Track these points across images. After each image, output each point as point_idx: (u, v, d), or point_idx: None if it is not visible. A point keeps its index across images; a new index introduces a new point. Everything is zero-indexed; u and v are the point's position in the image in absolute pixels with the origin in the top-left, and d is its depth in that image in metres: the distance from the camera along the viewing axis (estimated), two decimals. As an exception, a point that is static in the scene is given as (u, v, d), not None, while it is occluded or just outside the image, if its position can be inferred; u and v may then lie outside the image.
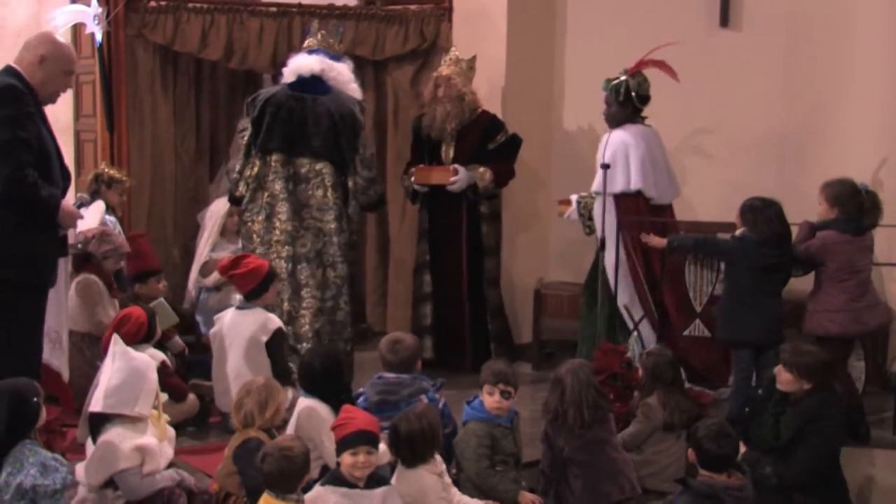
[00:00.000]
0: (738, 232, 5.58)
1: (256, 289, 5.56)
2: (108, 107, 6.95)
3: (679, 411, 4.89)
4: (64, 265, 4.91)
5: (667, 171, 6.37)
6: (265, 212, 6.23)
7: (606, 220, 6.12)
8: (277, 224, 6.23)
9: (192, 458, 4.99)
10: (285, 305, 6.14)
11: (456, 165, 6.70)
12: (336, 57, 6.44)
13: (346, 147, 6.25)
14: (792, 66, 7.07)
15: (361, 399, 4.73)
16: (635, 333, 6.14)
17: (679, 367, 5.08)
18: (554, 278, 7.38)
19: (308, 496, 3.86)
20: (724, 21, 7.13)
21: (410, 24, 7.46)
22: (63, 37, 7.25)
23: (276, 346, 5.50)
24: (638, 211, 6.15)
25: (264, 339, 5.44)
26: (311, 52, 6.42)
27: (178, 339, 6.00)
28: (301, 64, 6.31)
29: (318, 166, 6.24)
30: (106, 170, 6.59)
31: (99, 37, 6.82)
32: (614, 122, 6.27)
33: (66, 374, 4.93)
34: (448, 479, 4.26)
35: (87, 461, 4.18)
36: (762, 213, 5.40)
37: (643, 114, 6.36)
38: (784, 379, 4.60)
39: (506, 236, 7.17)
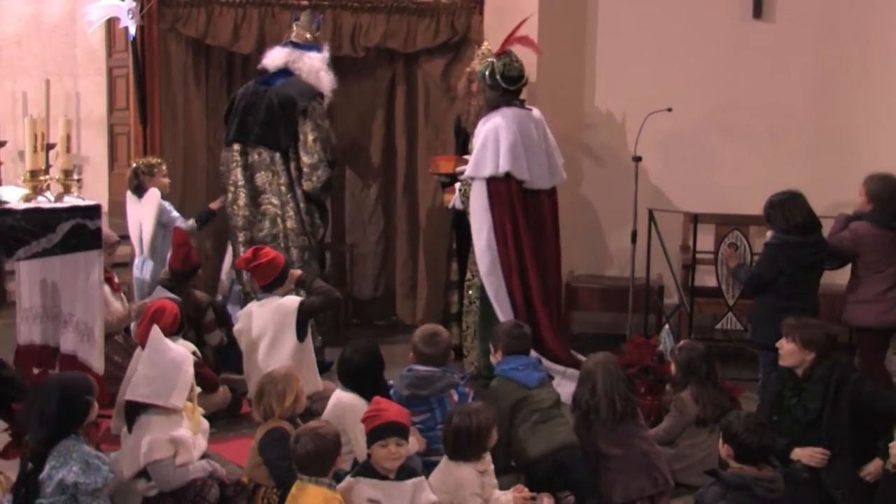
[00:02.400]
0: (768, 234, 5.50)
1: (277, 279, 5.57)
2: (142, 100, 7.01)
3: (712, 405, 4.85)
4: (99, 259, 4.94)
5: (547, 155, 6.29)
6: (228, 200, 6.57)
7: (477, 204, 6.09)
8: (236, 210, 6.52)
9: (224, 450, 5.03)
10: (246, 288, 6.44)
11: (468, 156, 6.68)
12: (308, 46, 6.63)
13: (283, 133, 6.45)
14: (825, 57, 7.02)
15: (391, 392, 4.72)
16: (666, 326, 6.11)
17: (712, 360, 5.03)
18: (584, 271, 7.36)
19: (339, 487, 3.87)
20: (758, 12, 7.10)
21: (441, 17, 7.46)
22: (97, 31, 7.42)
23: (309, 309, 5.48)
24: (508, 194, 6.09)
25: (292, 319, 5.42)
26: (284, 44, 6.63)
27: (217, 332, 6.05)
28: (269, 59, 6.60)
29: (267, 153, 6.49)
30: (140, 162, 6.66)
31: (132, 31, 6.87)
32: (490, 106, 6.22)
33: (98, 367, 4.96)
34: (492, 479, 4.22)
35: (121, 451, 4.22)
36: (781, 207, 5.34)
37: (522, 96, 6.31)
38: (787, 350, 4.60)
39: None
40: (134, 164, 6.64)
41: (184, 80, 7.21)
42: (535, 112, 6.30)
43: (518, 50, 6.83)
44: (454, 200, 6.40)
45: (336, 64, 7.45)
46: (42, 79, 8.75)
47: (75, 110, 8.96)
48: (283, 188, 6.48)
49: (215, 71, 7.37)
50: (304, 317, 5.45)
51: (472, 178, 6.13)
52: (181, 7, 7.03)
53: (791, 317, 4.77)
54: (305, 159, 6.46)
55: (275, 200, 6.48)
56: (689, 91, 7.03)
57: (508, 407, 4.65)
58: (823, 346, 4.56)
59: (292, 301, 5.51)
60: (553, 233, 6.36)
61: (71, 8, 8.68)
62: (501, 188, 6.05)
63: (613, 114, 7.30)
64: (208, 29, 7.11)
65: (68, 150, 5.03)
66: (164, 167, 6.71)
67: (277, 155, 6.47)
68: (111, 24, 7.27)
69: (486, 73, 6.15)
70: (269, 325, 5.46)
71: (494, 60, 6.17)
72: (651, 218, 6.57)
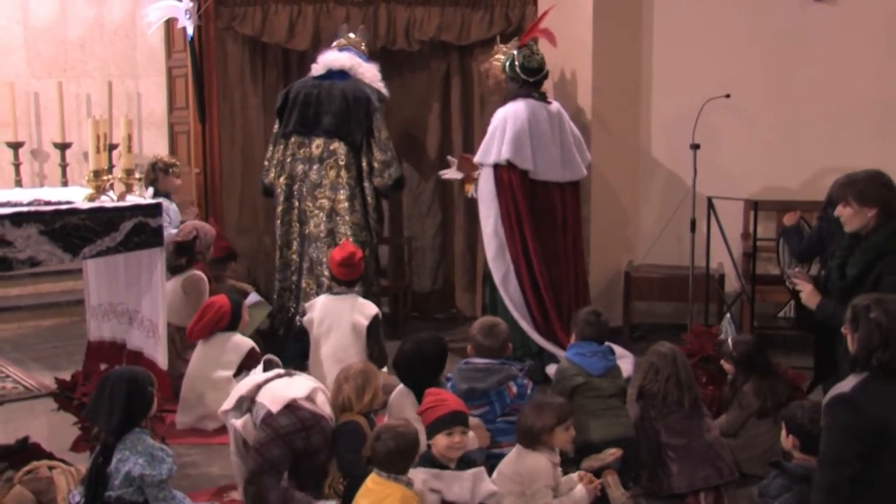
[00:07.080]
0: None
1: (361, 277, 5.75)
2: (200, 99, 7.12)
3: (772, 395, 4.78)
4: (161, 256, 5.03)
5: (563, 149, 6.28)
6: (284, 193, 6.56)
7: (485, 190, 6.17)
8: (295, 204, 6.54)
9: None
10: (303, 283, 6.48)
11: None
12: (364, 57, 6.72)
13: (356, 127, 6.47)
14: (890, 38, 6.86)
15: (449, 386, 4.71)
16: (728, 315, 6.04)
17: (766, 348, 4.97)
18: (644, 261, 7.30)
19: (399, 478, 3.90)
20: (818, -7, 6.96)
21: (495, 9, 7.46)
22: (157, 33, 7.54)
23: (376, 330, 5.59)
24: (510, 182, 6.13)
25: (365, 323, 5.53)
26: (341, 49, 6.69)
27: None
28: (332, 59, 6.63)
29: (332, 146, 6.49)
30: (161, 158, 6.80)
31: (190, 31, 6.98)
32: (508, 96, 6.33)
33: (162, 363, 5.05)
34: (560, 471, 4.24)
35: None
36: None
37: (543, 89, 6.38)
38: (846, 214, 4.40)
39: (595, 219, 7.11)
40: (153, 160, 6.76)
41: (241, 78, 7.31)
42: (555, 105, 6.36)
43: (571, 43, 6.82)
44: (472, 191, 6.50)
45: (391, 58, 7.51)
46: (104, 81, 8.99)
47: (137, 111, 9.16)
48: (351, 182, 6.49)
49: (271, 68, 7.46)
50: (374, 326, 5.57)
51: (481, 165, 6.24)
52: (237, 6, 7.13)
53: (839, 178, 4.51)
54: (378, 155, 6.52)
55: (331, 195, 6.48)
56: (747, 76, 6.93)
57: (567, 391, 4.70)
58: (883, 198, 4.31)
59: (372, 307, 5.63)
60: (566, 226, 6.36)
61: (131, 10, 8.81)
62: (504, 176, 6.14)
63: (671, 101, 7.22)
64: (264, 27, 7.20)
65: (130, 149, 5.12)
66: (178, 169, 6.82)
67: (345, 148, 6.49)
68: (170, 24, 7.38)
69: (507, 63, 6.29)
70: (345, 320, 5.54)
71: (515, 52, 6.27)
72: (710, 206, 6.48)
